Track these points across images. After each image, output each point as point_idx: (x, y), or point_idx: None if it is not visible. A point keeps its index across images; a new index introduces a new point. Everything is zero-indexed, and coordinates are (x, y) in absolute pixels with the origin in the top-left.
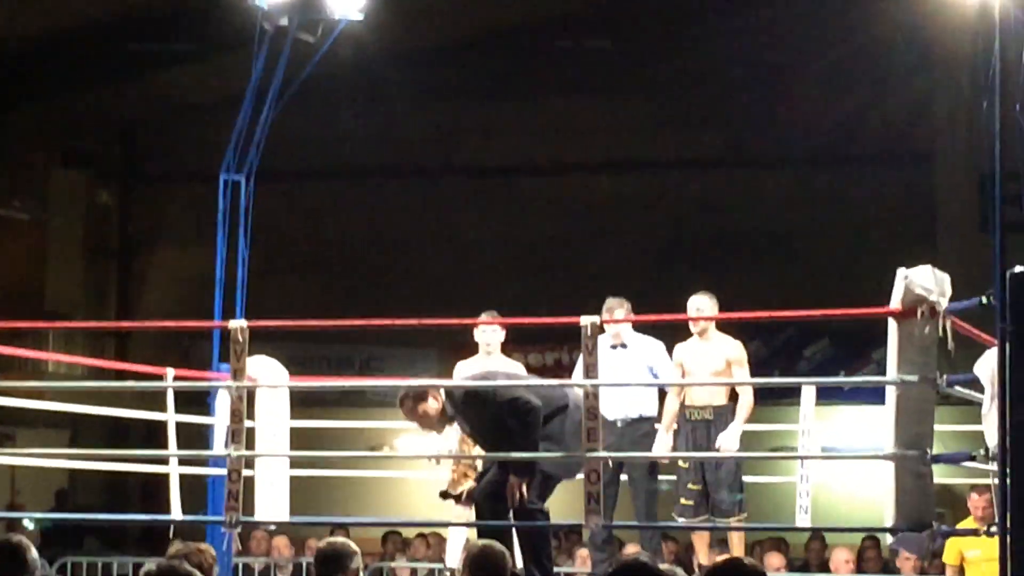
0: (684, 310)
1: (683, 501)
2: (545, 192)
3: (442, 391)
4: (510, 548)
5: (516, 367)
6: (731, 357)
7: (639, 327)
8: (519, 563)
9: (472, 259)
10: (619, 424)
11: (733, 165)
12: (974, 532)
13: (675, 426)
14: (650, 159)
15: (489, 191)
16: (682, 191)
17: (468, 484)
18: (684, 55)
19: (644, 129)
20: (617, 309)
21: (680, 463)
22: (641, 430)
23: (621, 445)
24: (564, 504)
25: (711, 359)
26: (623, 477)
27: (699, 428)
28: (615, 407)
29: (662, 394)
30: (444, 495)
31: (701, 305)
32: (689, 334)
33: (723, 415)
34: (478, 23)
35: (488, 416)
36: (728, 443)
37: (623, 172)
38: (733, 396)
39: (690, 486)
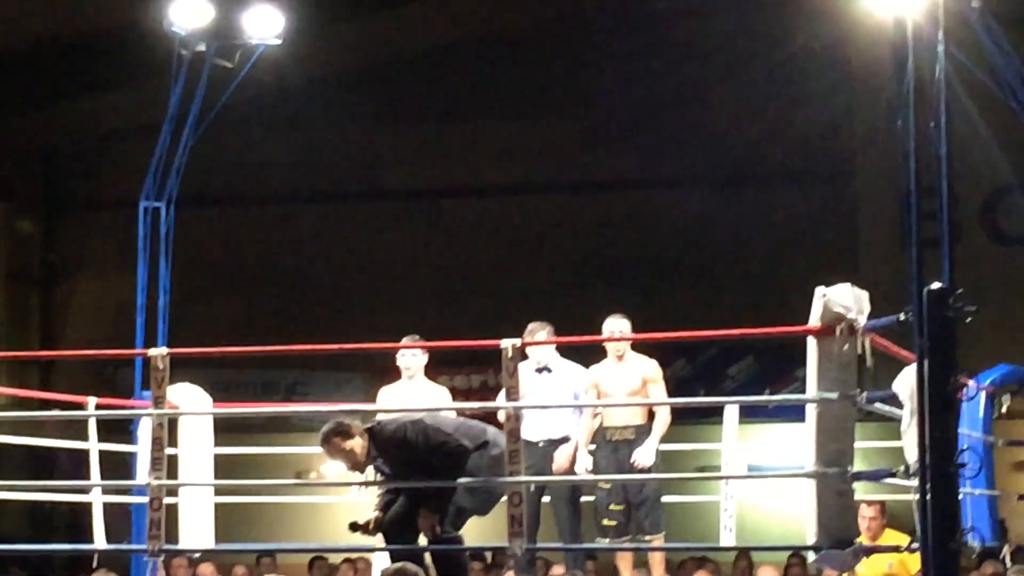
0: (604, 331)
1: (605, 522)
2: (466, 215)
3: (366, 432)
4: (425, 572)
5: (441, 392)
6: (647, 376)
7: (564, 352)
8: None
9: (395, 282)
10: (541, 445)
11: (651, 185)
12: (895, 549)
13: (593, 446)
14: (568, 180)
15: (411, 215)
16: (601, 212)
17: (374, 514)
18: (600, 75)
19: (562, 150)
20: (539, 332)
21: (601, 484)
22: (555, 449)
23: (543, 466)
24: (487, 527)
25: (626, 379)
26: (545, 499)
27: (621, 448)
28: (538, 428)
29: None
30: (353, 527)
31: (620, 328)
32: (606, 356)
33: (644, 434)
34: (397, 47)
35: (413, 459)
36: (644, 459)
37: (542, 194)
38: (652, 415)
39: (612, 507)
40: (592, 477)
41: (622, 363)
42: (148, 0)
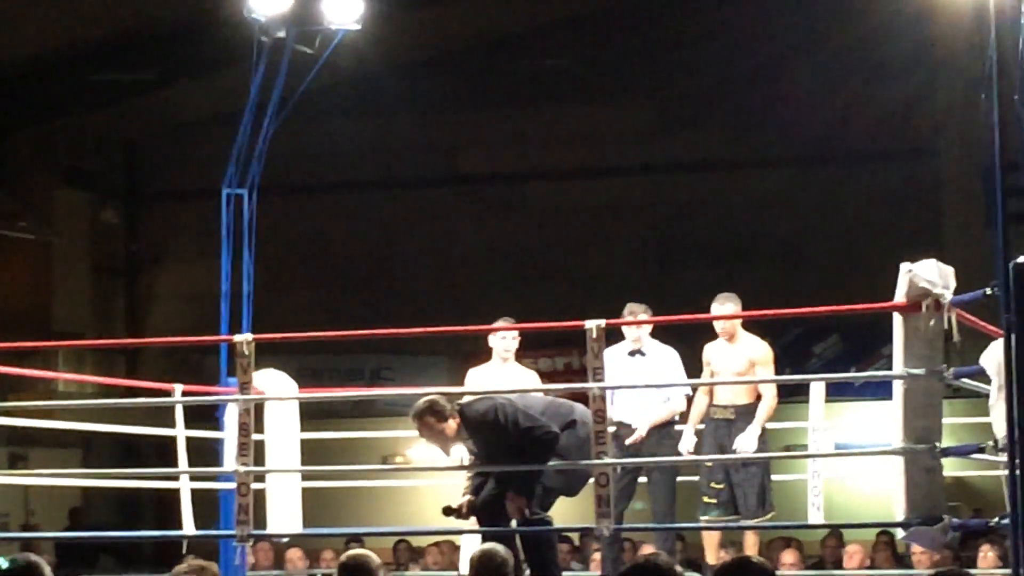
0: (685, 311)
1: (706, 500)
2: (545, 198)
3: (457, 413)
4: (516, 554)
5: (530, 375)
6: (755, 358)
7: (657, 335)
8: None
9: (476, 267)
10: (636, 427)
11: (731, 165)
12: (985, 524)
13: (702, 425)
14: (647, 162)
15: (489, 199)
16: (681, 193)
17: (466, 498)
18: (676, 55)
19: (640, 132)
20: (641, 315)
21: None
22: (661, 432)
23: (641, 447)
24: (575, 509)
25: (736, 359)
26: (641, 479)
27: (721, 427)
28: (636, 411)
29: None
30: (447, 511)
31: (722, 311)
32: (699, 336)
33: (745, 414)
34: (475, 32)
35: (503, 441)
36: (745, 445)
37: (621, 176)
38: (758, 396)
39: (713, 485)
40: (688, 458)
41: (734, 343)
42: None
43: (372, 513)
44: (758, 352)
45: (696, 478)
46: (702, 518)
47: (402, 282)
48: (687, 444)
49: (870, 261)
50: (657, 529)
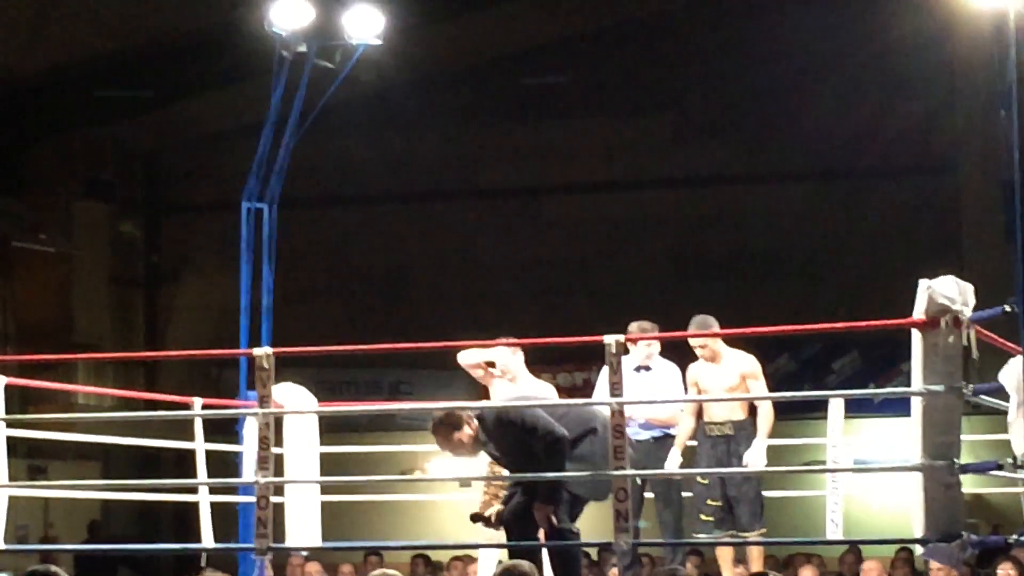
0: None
1: (703, 517)
2: (564, 212)
3: (475, 417)
4: (540, 568)
5: (547, 389)
6: (745, 371)
7: (662, 350)
8: None
9: (494, 280)
10: (643, 442)
11: (749, 180)
12: (1003, 540)
13: (694, 442)
14: (665, 176)
15: (508, 213)
16: (699, 207)
17: (495, 507)
18: (697, 69)
19: (659, 146)
20: (650, 333)
21: (699, 479)
22: (667, 447)
23: (648, 463)
24: (593, 524)
25: (725, 375)
26: (648, 495)
27: (719, 444)
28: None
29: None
30: (475, 518)
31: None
32: (694, 354)
33: (743, 429)
34: (495, 46)
35: (516, 441)
36: (755, 461)
37: (639, 190)
38: (752, 410)
39: (710, 502)
40: (693, 471)
41: (719, 362)
42: (248, 2)
43: (391, 527)
44: (747, 366)
45: (689, 494)
46: (699, 536)
47: (421, 295)
48: (673, 464)
49: (889, 277)
50: (676, 544)
